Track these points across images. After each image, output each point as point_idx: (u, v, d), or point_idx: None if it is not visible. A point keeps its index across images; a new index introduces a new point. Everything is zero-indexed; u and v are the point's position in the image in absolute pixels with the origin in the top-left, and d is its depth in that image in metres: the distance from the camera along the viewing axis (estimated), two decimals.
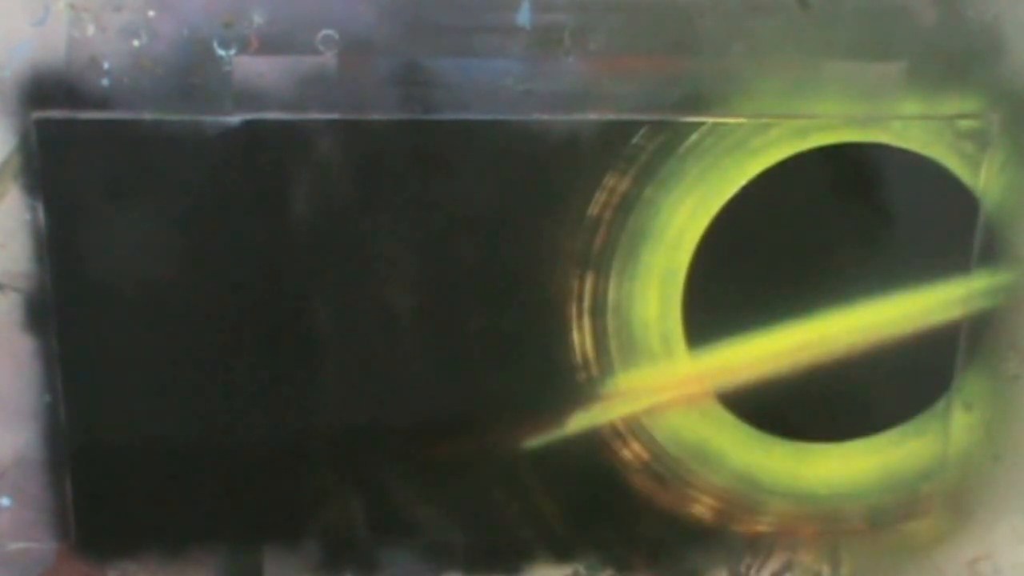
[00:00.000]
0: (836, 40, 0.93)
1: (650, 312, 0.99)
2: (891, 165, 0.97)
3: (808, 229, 0.99)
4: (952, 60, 0.95)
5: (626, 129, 0.94)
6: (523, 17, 0.90)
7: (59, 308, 0.94)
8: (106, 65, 0.88)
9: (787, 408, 1.04)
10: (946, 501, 1.10)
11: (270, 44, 0.88)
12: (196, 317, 0.96)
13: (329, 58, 0.89)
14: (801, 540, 1.10)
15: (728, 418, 1.04)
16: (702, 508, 1.07)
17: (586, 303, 0.99)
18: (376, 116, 0.91)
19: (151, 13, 0.87)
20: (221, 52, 0.88)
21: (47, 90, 0.88)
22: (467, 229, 0.96)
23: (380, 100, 0.91)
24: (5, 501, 1.00)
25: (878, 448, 1.07)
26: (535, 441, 1.02)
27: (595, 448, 1.03)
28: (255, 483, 1.01)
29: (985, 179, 0.99)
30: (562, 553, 1.07)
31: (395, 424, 1.01)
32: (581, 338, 0.99)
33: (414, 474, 1.03)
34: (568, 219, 0.96)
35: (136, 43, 0.88)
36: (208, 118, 0.90)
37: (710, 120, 0.94)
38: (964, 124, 0.97)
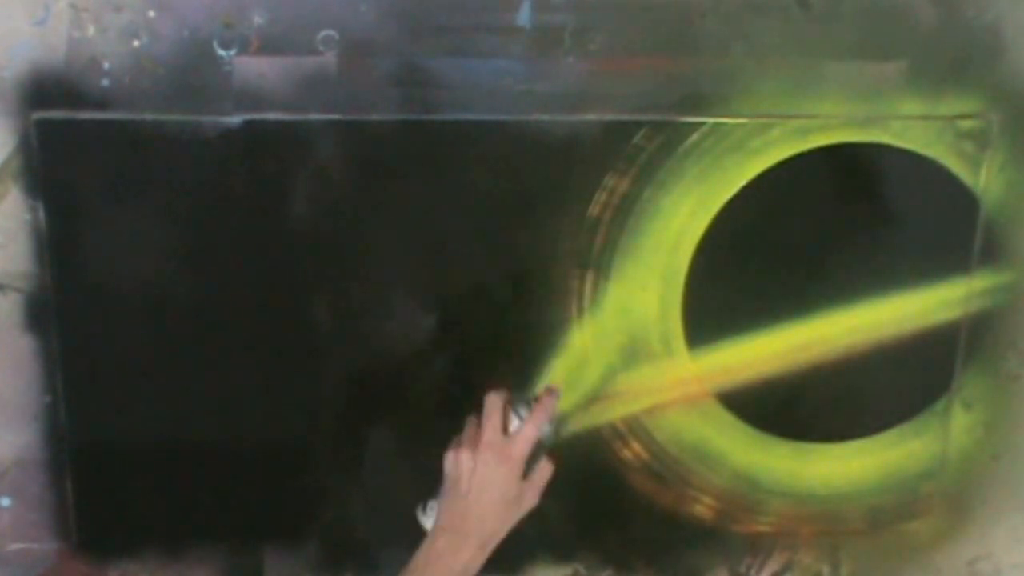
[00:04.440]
0: (836, 40, 0.93)
1: (650, 312, 0.99)
2: (891, 165, 0.97)
3: (808, 229, 0.99)
4: (952, 60, 0.95)
5: (626, 129, 0.94)
6: (523, 17, 0.90)
7: (59, 308, 0.94)
8: (106, 65, 0.88)
9: (787, 408, 1.04)
10: (946, 501, 1.10)
11: (270, 44, 0.88)
12: (196, 317, 0.96)
13: (329, 58, 0.89)
14: (801, 540, 1.10)
15: (728, 418, 1.04)
16: (702, 508, 1.07)
17: (586, 303, 0.99)
18: (376, 116, 0.91)
19: (151, 13, 0.87)
20: (221, 52, 0.88)
21: (47, 90, 0.88)
22: (467, 229, 0.96)
23: (380, 100, 0.91)
24: (6, 501, 1.00)
25: (878, 448, 1.07)
26: None
27: (595, 448, 1.03)
28: (255, 483, 1.01)
29: (985, 179, 0.99)
30: (562, 553, 1.07)
31: (395, 424, 1.01)
32: (581, 338, 0.99)
33: (414, 474, 1.03)
34: (568, 219, 0.96)
35: (136, 43, 0.88)
36: (208, 118, 0.90)
37: (710, 120, 0.94)
38: (964, 124, 0.97)
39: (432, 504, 0.91)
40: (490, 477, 0.86)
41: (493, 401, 0.89)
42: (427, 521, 0.91)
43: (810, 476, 1.07)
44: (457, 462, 0.87)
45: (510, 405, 0.90)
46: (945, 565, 1.12)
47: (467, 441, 0.88)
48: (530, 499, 0.88)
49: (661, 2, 0.91)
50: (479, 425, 0.89)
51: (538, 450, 0.89)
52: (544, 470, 0.89)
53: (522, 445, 0.87)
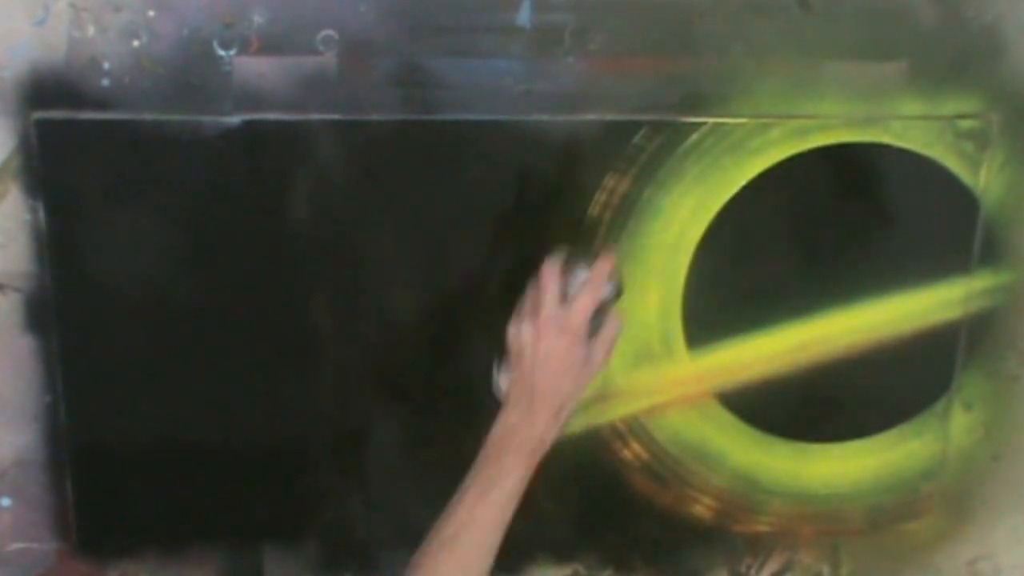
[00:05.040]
0: (836, 40, 0.93)
1: (650, 312, 0.99)
2: (891, 165, 0.97)
3: (808, 229, 0.99)
4: (952, 60, 0.95)
5: (626, 129, 0.94)
6: (523, 17, 0.90)
7: (59, 308, 0.94)
8: (106, 65, 0.88)
9: (787, 408, 1.04)
10: (946, 501, 1.10)
11: (270, 44, 0.88)
12: (196, 317, 0.96)
13: (329, 58, 0.89)
14: (801, 540, 1.10)
15: (728, 418, 1.04)
16: (702, 508, 1.07)
17: None
18: (376, 116, 0.91)
19: (151, 13, 0.87)
20: (221, 52, 0.88)
21: (47, 90, 0.88)
22: (467, 229, 0.96)
23: (380, 100, 0.91)
24: (6, 501, 1.00)
25: (878, 448, 1.07)
26: None
27: (595, 448, 1.03)
28: (255, 483, 1.01)
29: (985, 179, 0.99)
30: (562, 553, 1.07)
31: (395, 424, 1.01)
32: None
33: (414, 474, 1.03)
34: (568, 219, 0.96)
35: (136, 43, 0.88)
36: (208, 118, 0.90)
37: (710, 120, 0.94)
38: (964, 124, 0.97)
39: (508, 364, 0.89)
40: (552, 349, 0.85)
41: (550, 269, 0.87)
42: (502, 379, 0.90)
43: (810, 476, 1.07)
44: (519, 336, 0.86)
45: (568, 268, 0.88)
46: (945, 565, 1.12)
47: (528, 312, 0.86)
48: (599, 359, 0.87)
49: (661, 2, 0.91)
50: (538, 292, 0.87)
51: (602, 309, 0.88)
52: (611, 327, 0.88)
53: (581, 315, 0.86)
